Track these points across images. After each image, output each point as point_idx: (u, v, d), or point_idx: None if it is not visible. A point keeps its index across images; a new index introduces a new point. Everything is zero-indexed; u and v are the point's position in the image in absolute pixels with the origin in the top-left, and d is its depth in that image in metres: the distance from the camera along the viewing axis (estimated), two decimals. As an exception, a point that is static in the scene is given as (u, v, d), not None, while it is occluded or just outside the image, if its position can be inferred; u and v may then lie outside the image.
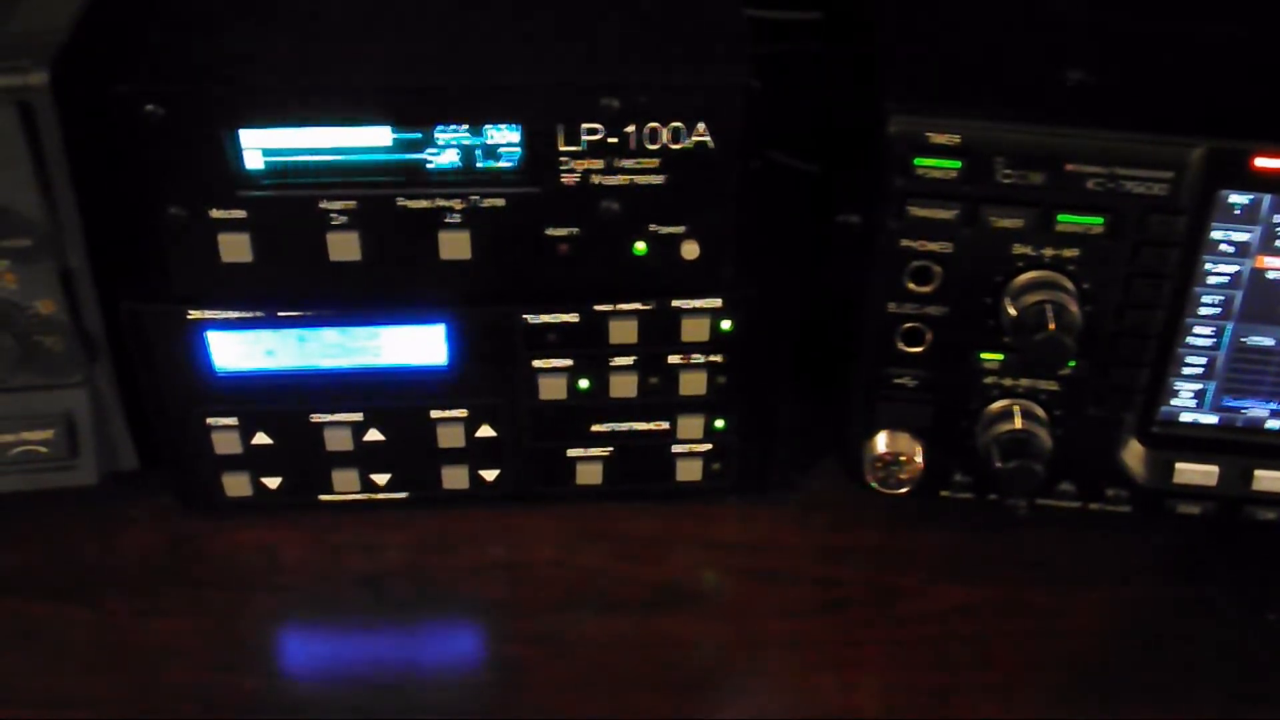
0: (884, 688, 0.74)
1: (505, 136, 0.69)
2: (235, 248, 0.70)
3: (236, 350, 0.74)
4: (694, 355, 0.76)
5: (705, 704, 0.74)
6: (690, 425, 0.78)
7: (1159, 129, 0.67)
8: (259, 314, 0.73)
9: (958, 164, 0.67)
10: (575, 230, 0.71)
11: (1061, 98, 0.69)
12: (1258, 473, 0.75)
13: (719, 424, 0.79)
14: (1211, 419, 0.75)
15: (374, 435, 0.77)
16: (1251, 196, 0.69)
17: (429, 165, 0.69)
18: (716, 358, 0.76)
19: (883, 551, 0.80)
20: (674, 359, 0.76)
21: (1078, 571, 0.80)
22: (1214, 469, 0.75)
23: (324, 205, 0.69)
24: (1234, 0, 0.77)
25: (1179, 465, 0.75)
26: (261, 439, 0.77)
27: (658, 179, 0.70)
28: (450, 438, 0.78)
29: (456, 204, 0.69)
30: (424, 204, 0.69)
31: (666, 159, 0.69)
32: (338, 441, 0.77)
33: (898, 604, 0.78)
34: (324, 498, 0.79)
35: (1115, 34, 0.74)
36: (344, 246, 0.70)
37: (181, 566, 0.79)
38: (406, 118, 0.68)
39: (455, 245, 0.70)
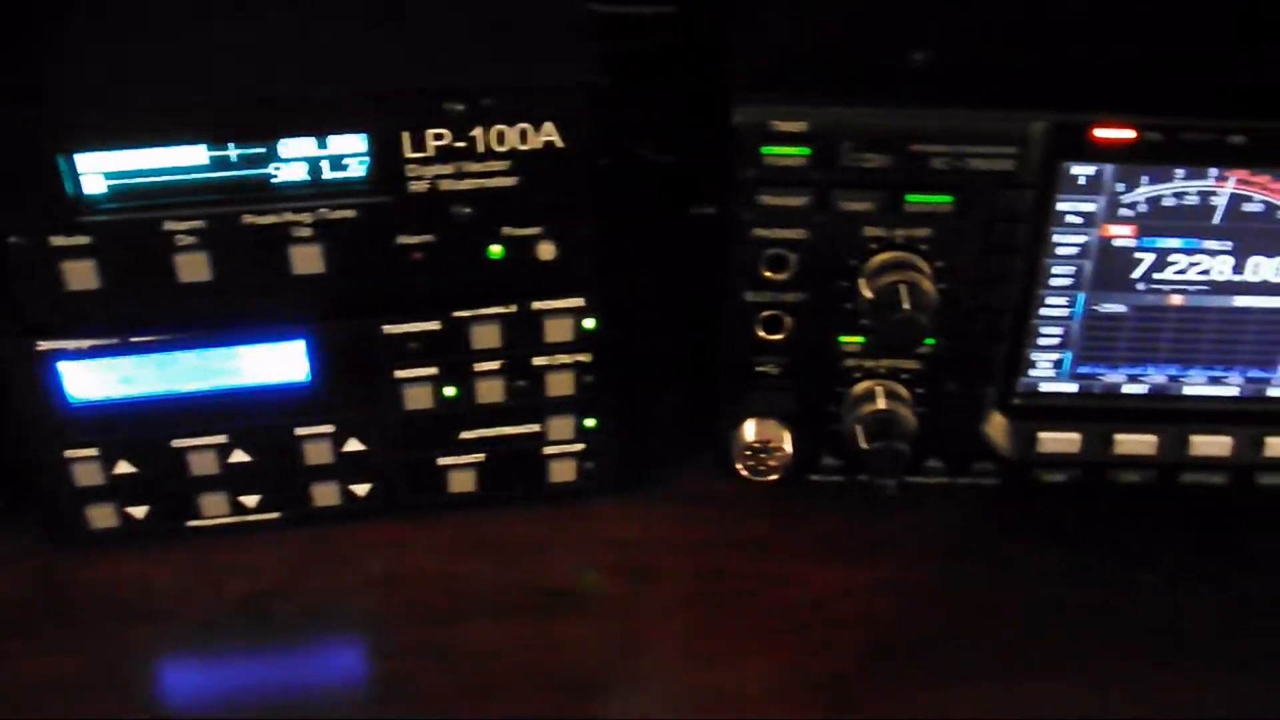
0: (773, 675, 0.74)
1: (351, 146, 0.68)
2: (80, 275, 0.68)
3: (91, 379, 0.72)
4: (559, 356, 0.76)
5: (596, 704, 0.73)
6: (561, 426, 0.78)
7: (1001, 105, 0.68)
8: (112, 341, 0.71)
9: (806, 151, 0.68)
10: (429, 237, 0.70)
11: (905, 79, 0.69)
12: (1118, 437, 0.76)
13: (590, 423, 0.78)
14: (1070, 387, 0.77)
15: (240, 457, 0.76)
16: (1094, 167, 0.70)
17: (275, 180, 0.68)
18: (582, 357, 0.76)
19: (762, 540, 0.80)
20: (539, 361, 0.76)
21: (954, 546, 0.80)
22: (1076, 436, 0.76)
23: (169, 226, 0.68)
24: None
25: (1041, 435, 0.76)
26: (124, 468, 0.76)
27: (509, 181, 0.69)
28: (318, 454, 0.77)
29: (306, 218, 0.69)
30: (272, 219, 0.68)
31: (516, 161, 0.69)
32: (203, 465, 0.76)
33: (780, 591, 0.78)
34: (194, 524, 0.78)
35: (958, 13, 0.74)
36: (193, 267, 0.69)
37: (52, 604, 0.77)
38: (248, 133, 0.67)
39: (307, 260, 0.70)
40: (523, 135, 0.68)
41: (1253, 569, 0.80)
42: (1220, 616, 0.78)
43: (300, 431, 0.76)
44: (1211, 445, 0.76)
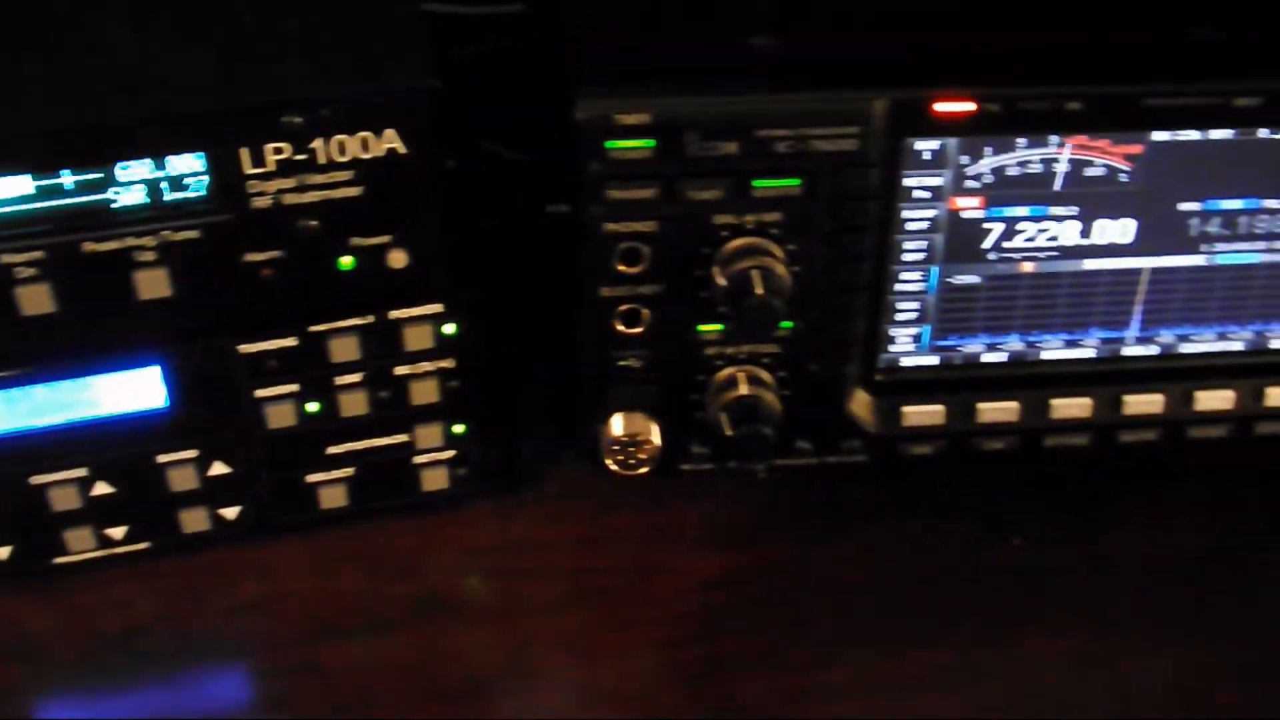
0: (658, 667, 0.74)
1: (189, 166, 0.67)
2: (-79, 314, 0.67)
3: (-61, 421, 0.71)
4: (421, 364, 0.75)
5: (483, 710, 0.73)
6: (429, 434, 0.78)
7: (841, 85, 0.68)
8: (-42, 380, 0.70)
9: (651, 143, 0.67)
10: (276, 253, 0.69)
11: (746, 65, 0.70)
12: (980, 406, 0.77)
13: (458, 429, 0.78)
14: (931, 360, 0.77)
15: (103, 489, 0.74)
16: (937, 142, 0.70)
17: (114, 205, 0.66)
18: (445, 363, 0.75)
19: (638, 533, 0.80)
20: (401, 370, 0.75)
21: (827, 524, 0.81)
22: (940, 408, 0.77)
23: (7, 259, 0.66)
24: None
25: (906, 409, 0.77)
26: (-18, 509, 0.74)
27: (354, 191, 0.69)
28: (183, 480, 0.75)
29: (148, 241, 0.67)
30: (114, 245, 0.67)
31: (360, 170, 0.68)
32: (65, 500, 0.74)
33: (659, 582, 0.78)
34: (60, 560, 0.76)
35: (796, -3, 0.75)
36: (36, 300, 0.67)
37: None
38: (82, 158, 0.65)
39: (153, 284, 0.68)
40: (364, 144, 0.67)
41: (1115, 526, 0.82)
42: (1085, 575, 0.79)
43: (163, 459, 0.75)
44: (1071, 407, 0.77)
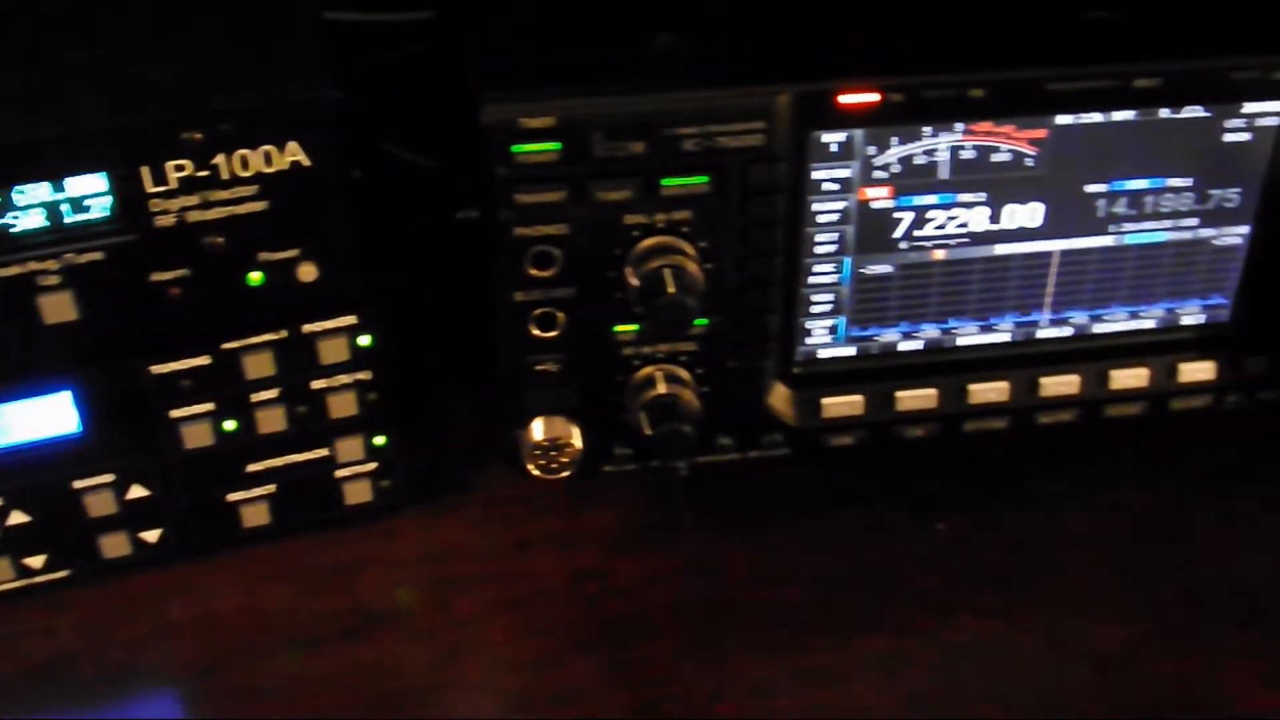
0: (592, 669, 0.74)
1: (90, 186, 0.66)
2: None
3: None
4: (338, 376, 0.75)
5: (419, 721, 0.74)
6: (349, 447, 0.77)
7: (745, 81, 0.69)
8: None
9: (557, 145, 0.67)
10: (184, 271, 0.69)
11: (649, 64, 0.69)
12: (899, 394, 0.77)
13: (379, 440, 0.77)
14: (848, 351, 0.78)
15: (19, 517, 0.73)
16: (843, 134, 0.71)
17: (13, 229, 0.65)
18: (362, 375, 0.75)
19: (564, 536, 0.80)
20: (318, 384, 0.74)
21: (752, 519, 0.81)
22: (859, 398, 0.77)
23: (-95, 289, 0.66)
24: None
25: (825, 401, 0.77)
26: (-105, 545, 0.73)
27: (259, 205, 0.68)
28: (101, 505, 0.74)
29: (51, 264, 0.66)
30: (16, 270, 0.66)
31: (264, 184, 0.68)
32: (-20, 531, 0.74)
33: (588, 585, 0.78)
34: (-21, 591, 0.76)
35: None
36: (-61, 328, 0.67)
37: None
38: (-23, 183, 0.65)
39: (58, 308, 0.67)
40: (267, 158, 0.67)
41: (1034, 508, 0.82)
42: (1009, 556, 0.80)
43: (79, 484, 0.74)
44: (989, 392, 0.78)
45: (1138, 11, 0.74)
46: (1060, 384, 0.79)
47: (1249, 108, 0.73)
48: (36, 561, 0.75)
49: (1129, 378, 0.79)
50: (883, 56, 0.71)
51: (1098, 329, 0.79)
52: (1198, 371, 0.80)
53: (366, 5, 0.90)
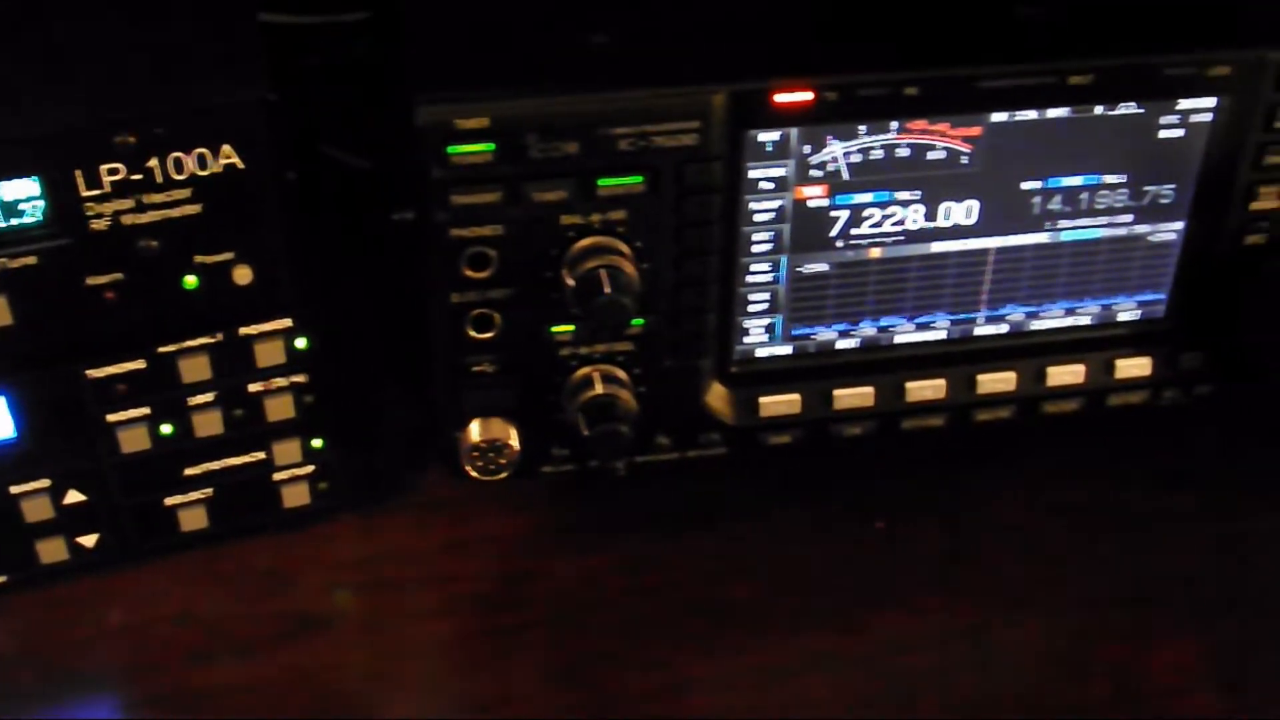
0: (532, 670, 0.74)
1: (23, 190, 0.65)
2: None
3: None
4: (275, 379, 0.74)
5: (360, 725, 0.73)
6: (287, 450, 0.77)
7: (680, 81, 0.69)
8: None
9: (491, 146, 0.67)
10: (118, 275, 0.68)
11: (584, 64, 0.70)
12: (836, 392, 0.78)
13: (317, 443, 0.77)
14: (785, 349, 0.78)
15: (-46, 524, 0.73)
16: (778, 132, 0.71)
17: (-55, 235, 0.65)
18: (299, 378, 0.75)
19: (503, 538, 0.80)
20: (255, 387, 0.74)
21: (692, 518, 0.82)
22: (796, 397, 0.77)
23: None
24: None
25: (763, 399, 0.77)
26: None
27: (194, 209, 0.68)
28: (37, 510, 0.74)
29: (-17, 269, 0.66)
30: (-52, 275, 0.66)
31: (198, 187, 0.67)
32: (-85, 538, 0.73)
33: (527, 586, 0.78)
34: (-86, 599, 0.75)
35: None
36: None
37: None
38: (-93, 189, 0.64)
39: (-8, 313, 0.67)
40: (201, 160, 0.67)
41: (973, 504, 0.83)
42: (948, 552, 0.80)
43: (15, 489, 0.73)
44: (926, 389, 0.78)
45: (1071, 9, 0.74)
46: (997, 381, 0.79)
47: (1183, 104, 0.73)
48: (-27, 568, 0.75)
49: (1066, 374, 0.80)
50: (817, 55, 0.71)
51: (1034, 326, 0.79)
52: (1134, 367, 0.80)
53: (302, 7, 0.90)
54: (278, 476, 0.78)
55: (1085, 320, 0.80)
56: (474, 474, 0.75)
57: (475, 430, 0.74)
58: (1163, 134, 0.74)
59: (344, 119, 0.87)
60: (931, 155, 0.73)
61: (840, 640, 0.76)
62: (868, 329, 0.78)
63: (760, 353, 0.77)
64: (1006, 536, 0.81)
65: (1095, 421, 0.81)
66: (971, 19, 0.74)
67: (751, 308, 0.76)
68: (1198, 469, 0.85)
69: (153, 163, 0.66)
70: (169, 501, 0.76)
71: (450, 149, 0.67)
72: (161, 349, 0.72)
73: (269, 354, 0.73)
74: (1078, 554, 0.80)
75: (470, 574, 0.78)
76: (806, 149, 0.71)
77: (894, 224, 0.74)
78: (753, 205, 0.72)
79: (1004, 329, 0.79)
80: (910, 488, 0.83)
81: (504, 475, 0.75)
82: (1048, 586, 0.79)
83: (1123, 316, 0.80)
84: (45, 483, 0.74)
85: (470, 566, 0.79)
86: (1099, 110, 0.73)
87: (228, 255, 0.70)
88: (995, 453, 0.84)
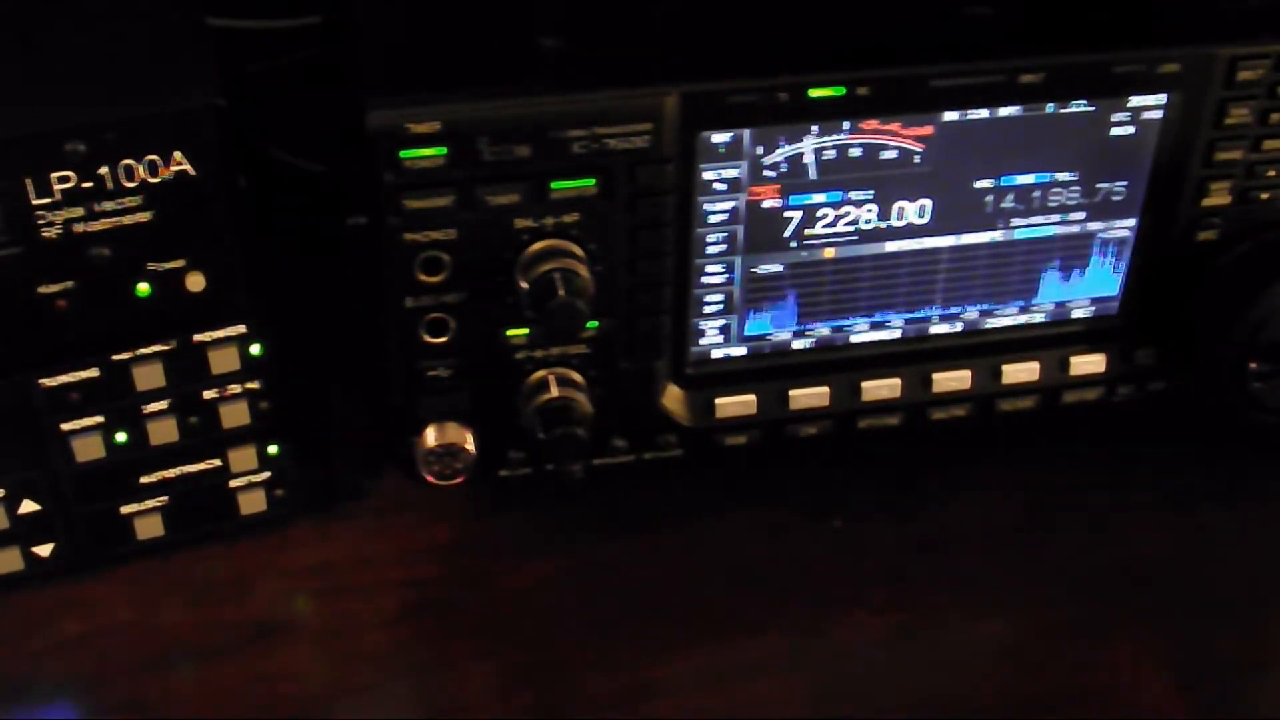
0: (493, 673, 0.74)
1: (-28, 199, 0.65)
2: None
3: None
4: (230, 386, 0.74)
5: (319, 732, 0.73)
6: (242, 457, 0.76)
7: (631, 83, 0.69)
8: None
9: (443, 150, 0.67)
10: (69, 284, 0.68)
11: (535, 67, 0.69)
12: (792, 393, 0.78)
13: (272, 450, 0.77)
14: (740, 350, 0.78)
15: (-93, 535, 0.73)
16: (730, 134, 0.71)
17: (-107, 245, 0.65)
18: (253, 384, 0.75)
19: (460, 542, 0.80)
20: (209, 394, 0.74)
21: (648, 520, 0.82)
22: (751, 398, 0.78)
23: None
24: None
25: (718, 401, 0.78)
26: None
27: (145, 216, 0.67)
28: (-9, 521, 0.74)
29: (-66, 279, 0.66)
30: (-104, 285, 0.65)
31: (150, 194, 0.67)
32: None
33: (485, 590, 0.78)
34: None
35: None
36: None
37: None
38: None
39: (-58, 322, 0.67)
40: (152, 167, 0.66)
41: (929, 502, 0.83)
42: (906, 551, 0.81)
43: (-31, 500, 0.73)
44: (881, 389, 0.79)
45: (1020, 7, 0.75)
46: (952, 379, 0.79)
47: (1134, 101, 0.74)
48: (-74, 579, 0.75)
49: (1020, 372, 0.80)
50: (768, 56, 0.71)
51: (988, 324, 0.80)
52: (1088, 364, 0.81)
53: (252, 11, 0.89)
54: (234, 484, 0.77)
55: (1039, 318, 0.80)
56: (431, 479, 0.75)
57: (431, 435, 0.74)
58: (1114, 131, 0.75)
59: (296, 123, 0.87)
60: (884, 155, 0.73)
61: (800, 640, 0.76)
62: (822, 329, 0.78)
63: (715, 354, 0.78)
64: (963, 534, 0.81)
65: (1052, 418, 0.82)
66: (922, 18, 0.74)
67: (706, 309, 0.76)
68: (1153, 463, 0.86)
69: (103, 170, 0.66)
70: (124, 510, 0.76)
71: (402, 153, 0.67)
72: (115, 357, 0.71)
73: (223, 361, 0.73)
74: (1035, 551, 0.81)
75: (428, 578, 0.78)
76: (759, 150, 0.72)
77: (847, 224, 0.75)
78: (706, 207, 0.72)
79: (958, 328, 0.80)
80: (868, 487, 0.83)
81: (461, 480, 0.75)
82: (1005, 584, 0.79)
83: (1076, 314, 0.81)
84: (-1, 492, 0.74)
85: (428, 571, 0.78)
86: (1050, 108, 0.73)
87: (180, 262, 0.69)
88: (950, 450, 0.85)
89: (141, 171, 0.66)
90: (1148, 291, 0.80)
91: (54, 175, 0.65)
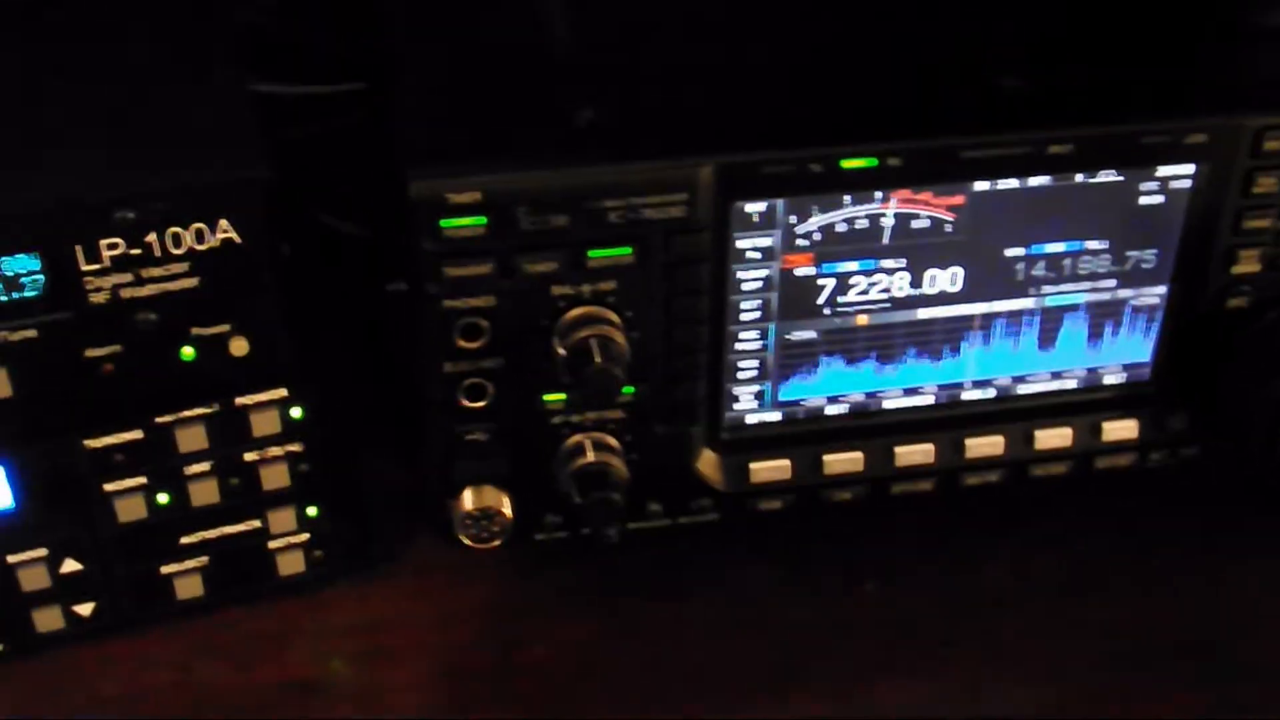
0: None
1: (24, 265, 0.66)
2: None
3: None
4: (270, 449, 0.75)
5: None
6: (282, 519, 0.77)
7: (667, 154, 0.70)
8: None
9: (483, 219, 0.68)
10: (117, 348, 0.69)
11: (573, 139, 0.71)
12: (826, 458, 0.79)
13: (311, 511, 0.78)
14: (775, 416, 0.79)
15: (-48, 594, 0.74)
16: (765, 203, 0.72)
17: (-54, 309, 0.66)
18: (294, 447, 0.75)
19: (496, 606, 0.80)
20: (250, 456, 0.75)
21: (683, 583, 0.82)
22: (786, 463, 0.78)
23: None
24: (718, 24, 0.81)
25: (753, 466, 0.78)
26: None
27: (191, 282, 0.69)
28: (34, 579, 0.74)
29: (-16, 343, 0.67)
30: (-52, 349, 0.67)
31: (196, 261, 0.68)
32: (-87, 608, 0.73)
33: (521, 654, 0.78)
34: (-89, 669, 0.75)
35: (615, 70, 0.76)
36: (-128, 407, 0.67)
37: None
38: (-92, 264, 0.65)
39: (-8, 386, 0.68)
40: (199, 235, 0.68)
41: (965, 566, 0.83)
42: (939, 616, 0.81)
43: (12, 559, 0.73)
44: (914, 454, 0.79)
45: (1049, 79, 0.75)
46: (985, 445, 0.80)
47: (1162, 171, 0.75)
48: (-31, 637, 0.76)
49: (1053, 437, 0.80)
50: (801, 127, 0.72)
51: (1021, 390, 0.81)
52: (1121, 430, 0.81)
53: (297, 78, 0.91)
54: (273, 545, 0.78)
55: (1071, 384, 0.81)
56: (468, 542, 0.76)
57: (468, 499, 0.75)
58: (1143, 200, 0.76)
59: (337, 188, 0.89)
60: (916, 224, 0.74)
61: (831, 705, 0.76)
62: (856, 394, 0.79)
63: (750, 419, 0.78)
64: (996, 600, 0.81)
65: (1084, 483, 0.82)
66: (952, 90, 0.75)
67: (741, 375, 0.77)
68: (1186, 531, 0.85)
69: (151, 238, 0.67)
70: (165, 570, 0.77)
71: (443, 222, 0.68)
72: (158, 419, 0.72)
73: (265, 423, 0.74)
74: (1069, 619, 0.81)
75: (464, 642, 0.79)
76: (793, 219, 0.73)
77: (880, 291, 0.76)
78: (740, 275, 0.74)
79: (991, 393, 0.80)
80: (902, 550, 0.84)
81: (497, 543, 0.76)
82: (1039, 652, 0.79)
83: (1108, 379, 0.81)
84: (42, 552, 0.74)
85: (464, 634, 0.79)
86: (1079, 178, 0.74)
87: (224, 327, 0.71)
88: (985, 515, 0.85)
89: (188, 239, 0.68)
90: (1180, 357, 0.81)
91: (103, 242, 0.67)
